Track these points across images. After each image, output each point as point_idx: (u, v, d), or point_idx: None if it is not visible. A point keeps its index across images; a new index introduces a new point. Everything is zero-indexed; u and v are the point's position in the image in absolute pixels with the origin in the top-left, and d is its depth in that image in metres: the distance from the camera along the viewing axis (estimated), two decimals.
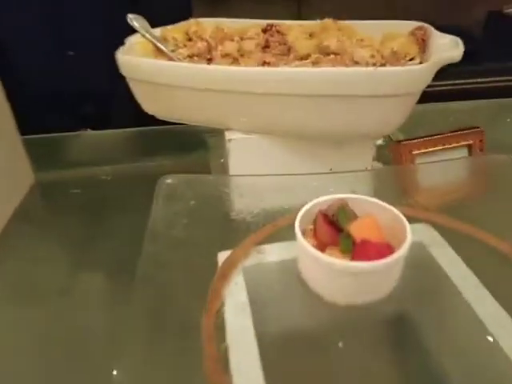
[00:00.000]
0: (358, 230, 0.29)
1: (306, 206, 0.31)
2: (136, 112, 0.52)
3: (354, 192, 0.36)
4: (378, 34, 0.53)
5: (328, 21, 0.53)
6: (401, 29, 0.52)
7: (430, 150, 0.49)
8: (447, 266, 0.32)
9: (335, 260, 0.27)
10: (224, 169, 0.49)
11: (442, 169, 0.48)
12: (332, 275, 0.28)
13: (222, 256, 0.33)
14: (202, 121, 0.48)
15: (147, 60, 0.47)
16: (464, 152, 0.50)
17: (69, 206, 0.55)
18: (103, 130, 0.73)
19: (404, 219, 0.30)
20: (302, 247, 0.29)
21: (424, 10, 1.04)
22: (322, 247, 0.30)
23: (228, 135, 0.47)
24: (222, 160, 0.52)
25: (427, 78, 0.40)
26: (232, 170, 0.46)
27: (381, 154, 0.51)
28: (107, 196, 0.56)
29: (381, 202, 0.31)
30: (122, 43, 0.51)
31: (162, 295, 0.31)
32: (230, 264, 0.32)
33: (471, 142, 0.49)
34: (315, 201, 0.32)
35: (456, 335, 0.28)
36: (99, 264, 0.43)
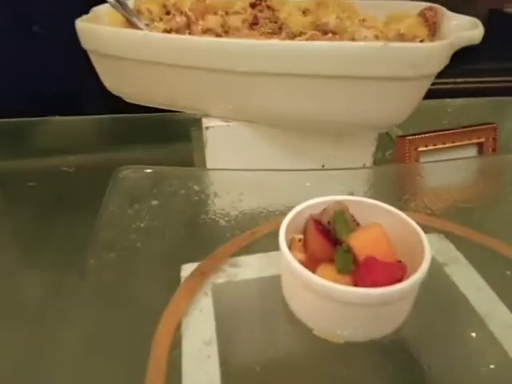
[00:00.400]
0: (360, 244, 0.22)
1: (294, 210, 0.24)
2: (113, 97, 0.44)
3: (351, 193, 0.29)
4: (381, 14, 0.46)
5: None
6: (407, 10, 0.46)
7: (439, 147, 0.43)
8: (468, 289, 0.25)
9: (330, 284, 0.20)
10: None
11: (450, 169, 0.42)
12: (325, 303, 0.21)
13: (187, 270, 0.26)
14: (175, 105, 0.41)
15: (109, 29, 0.40)
16: (473, 151, 0.43)
17: (21, 200, 0.48)
18: (73, 116, 0.66)
19: (419, 230, 0.23)
20: (287, 264, 0.22)
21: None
22: (313, 264, 0.23)
23: (206, 122, 0.40)
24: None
25: (444, 59, 0.34)
26: (209, 163, 0.39)
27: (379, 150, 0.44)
28: (65, 191, 0.48)
29: (389, 207, 0.25)
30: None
31: (105, 320, 0.24)
32: (195, 281, 0.25)
33: (483, 139, 0.43)
34: (306, 203, 0.25)
35: None
36: (43, 268, 0.36)
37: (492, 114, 0.65)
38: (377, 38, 0.41)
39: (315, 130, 0.39)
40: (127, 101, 0.45)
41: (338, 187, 0.34)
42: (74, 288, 0.26)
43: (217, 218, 0.30)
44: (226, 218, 0.30)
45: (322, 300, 0.21)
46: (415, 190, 0.40)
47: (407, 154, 0.43)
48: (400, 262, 0.22)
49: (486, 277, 0.26)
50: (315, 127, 0.39)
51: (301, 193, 0.30)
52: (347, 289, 0.20)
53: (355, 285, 0.21)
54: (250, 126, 0.40)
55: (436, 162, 0.43)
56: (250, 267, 0.26)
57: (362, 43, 0.34)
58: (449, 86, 0.85)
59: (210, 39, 0.37)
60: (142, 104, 0.44)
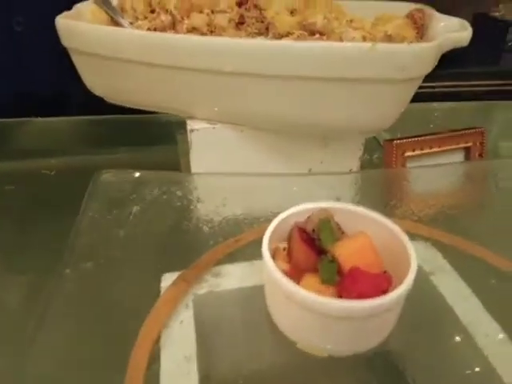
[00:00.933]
0: (346, 253, 0.21)
1: (278, 218, 0.24)
2: (96, 98, 0.43)
3: (337, 199, 0.29)
4: (369, 15, 0.46)
5: None
6: (396, 11, 0.45)
7: (426, 151, 0.42)
8: (453, 299, 0.24)
9: (312, 296, 0.19)
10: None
11: (437, 174, 0.41)
12: (308, 316, 0.20)
13: (167, 279, 0.25)
14: (158, 106, 0.40)
15: (91, 26, 0.38)
16: (461, 155, 0.43)
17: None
18: (54, 117, 0.64)
19: (406, 239, 0.22)
20: (270, 274, 0.21)
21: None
22: (297, 274, 0.22)
23: (190, 124, 0.39)
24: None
25: (433, 61, 0.33)
26: (194, 166, 0.38)
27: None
28: (45, 195, 0.46)
29: (375, 214, 0.24)
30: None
31: (81, 333, 0.23)
32: (176, 291, 0.24)
33: (470, 144, 0.43)
34: (290, 211, 0.24)
35: None
36: (20, 274, 0.34)
37: (478, 117, 0.65)
38: (364, 39, 0.40)
39: (302, 134, 0.39)
40: (108, 101, 0.43)
41: (325, 192, 0.34)
42: (50, 298, 0.25)
43: (200, 225, 0.29)
44: (210, 225, 0.29)
45: (305, 312, 0.20)
46: (402, 195, 0.40)
47: (394, 159, 0.42)
48: (385, 272, 0.22)
49: (472, 285, 0.25)
50: (302, 130, 0.38)
51: (287, 198, 0.29)
52: (330, 301, 0.19)
53: (340, 296, 0.21)
54: (236, 129, 0.39)
55: (423, 167, 0.43)
56: (233, 277, 0.25)
57: (350, 44, 0.33)
58: (435, 90, 0.85)
59: (194, 37, 0.36)
60: (124, 105, 0.42)
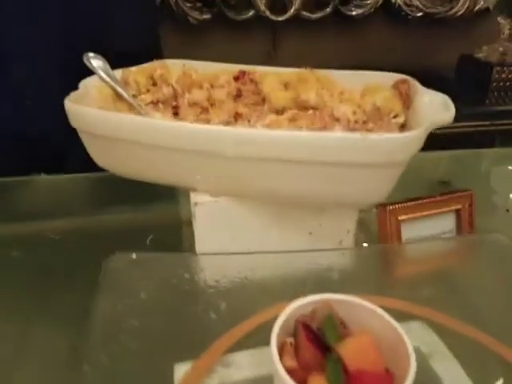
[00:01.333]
0: (351, 354, 0.23)
1: (285, 313, 0.25)
2: None
3: (330, 269, 0.30)
4: (357, 85, 0.49)
5: (305, 70, 0.49)
6: (382, 81, 0.49)
7: (418, 215, 0.45)
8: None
9: None
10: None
11: (429, 249, 0.43)
12: None
13: (180, 369, 0.26)
14: (163, 181, 0.42)
15: (97, 112, 0.41)
16: (452, 217, 0.45)
17: (5, 273, 0.47)
18: (59, 175, 0.65)
19: (404, 336, 0.24)
20: (278, 375, 0.22)
21: (399, 52, 1.05)
22: (305, 371, 0.23)
23: (194, 198, 0.41)
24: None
25: (419, 145, 0.36)
26: (199, 242, 0.40)
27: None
28: (51, 261, 0.47)
29: (376, 308, 0.26)
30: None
31: None
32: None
33: (460, 206, 0.45)
34: (293, 305, 0.25)
35: None
36: (32, 359, 0.34)
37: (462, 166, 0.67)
38: (354, 113, 0.43)
39: (300, 206, 0.41)
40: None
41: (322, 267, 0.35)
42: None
43: (208, 310, 0.30)
44: (217, 311, 0.30)
45: None
46: (397, 272, 0.41)
47: (388, 222, 0.44)
48: (388, 370, 0.23)
49: (465, 366, 0.27)
50: (300, 204, 0.40)
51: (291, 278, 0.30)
52: None
53: None
54: (238, 201, 0.41)
55: (415, 242, 0.44)
56: (242, 366, 0.27)
57: (341, 134, 0.36)
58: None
59: (194, 126, 0.39)
60: (128, 178, 0.44)
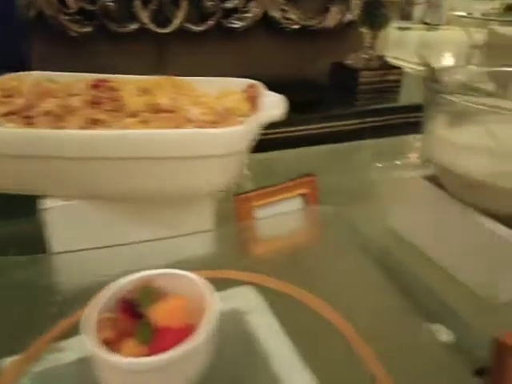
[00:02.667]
0: (160, 315, 0.26)
1: (103, 292, 0.27)
2: None
3: (187, 261, 0.33)
4: (214, 90, 0.54)
5: (162, 77, 0.53)
6: (236, 86, 0.55)
7: (270, 200, 0.50)
8: (265, 337, 0.30)
9: (106, 356, 0.23)
10: None
11: (275, 224, 0.49)
12: (111, 376, 0.24)
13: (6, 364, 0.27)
14: (12, 189, 0.42)
15: None
16: (299, 200, 0.52)
17: None
18: None
19: (207, 295, 0.28)
20: (88, 348, 0.24)
21: (278, 62, 1.14)
22: (121, 339, 0.26)
23: (43, 203, 0.41)
24: None
25: (250, 137, 0.41)
26: (55, 246, 0.40)
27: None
28: None
29: (189, 274, 0.29)
30: None
31: None
32: (13, 372, 0.26)
33: (305, 191, 0.52)
34: (112, 285, 0.28)
35: None
36: None
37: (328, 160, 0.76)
38: (204, 114, 0.48)
39: (153, 200, 0.44)
40: None
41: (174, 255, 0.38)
42: None
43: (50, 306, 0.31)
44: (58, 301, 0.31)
45: (108, 373, 0.24)
46: (247, 248, 0.46)
47: (244, 209, 0.49)
48: (192, 325, 0.26)
49: (285, 323, 0.31)
50: (152, 198, 0.43)
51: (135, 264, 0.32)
52: (111, 360, 0.24)
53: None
54: (92, 203, 0.42)
55: (263, 219, 0.50)
56: (71, 350, 0.28)
57: (175, 131, 0.40)
58: (296, 134, 0.96)
59: (28, 131, 0.40)
60: None
